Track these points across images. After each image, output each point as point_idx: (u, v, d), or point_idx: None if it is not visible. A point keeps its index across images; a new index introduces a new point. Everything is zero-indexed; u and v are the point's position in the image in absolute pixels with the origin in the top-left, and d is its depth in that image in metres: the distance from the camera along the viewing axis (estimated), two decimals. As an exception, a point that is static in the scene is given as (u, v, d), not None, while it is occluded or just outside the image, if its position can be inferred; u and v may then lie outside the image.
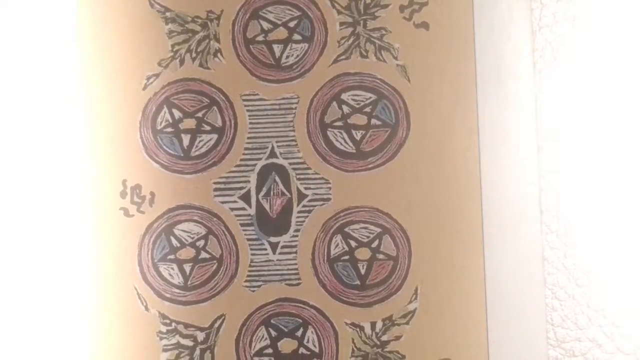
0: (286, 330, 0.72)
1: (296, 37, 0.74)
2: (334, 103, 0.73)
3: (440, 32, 0.73)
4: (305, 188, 0.73)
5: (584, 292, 0.72)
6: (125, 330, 0.72)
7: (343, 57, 0.73)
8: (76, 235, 0.72)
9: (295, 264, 0.72)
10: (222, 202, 0.73)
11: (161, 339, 0.72)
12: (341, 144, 0.73)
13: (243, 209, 0.73)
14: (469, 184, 0.72)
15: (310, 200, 0.73)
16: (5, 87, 0.75)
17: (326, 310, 0.72)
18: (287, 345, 0.72)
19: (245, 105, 0.73)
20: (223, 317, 0.72)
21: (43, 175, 0.73)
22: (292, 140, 0.73)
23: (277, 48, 0.74)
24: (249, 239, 0.73)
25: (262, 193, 0.73)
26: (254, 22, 0.74)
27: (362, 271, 0.72)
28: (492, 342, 0.70)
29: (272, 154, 0.73)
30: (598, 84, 0.73)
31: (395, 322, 0.72)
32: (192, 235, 0.73)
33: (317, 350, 0.72)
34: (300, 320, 0.72)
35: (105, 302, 0.72)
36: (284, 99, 0.73)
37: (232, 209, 0.73)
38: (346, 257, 0.72)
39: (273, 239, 0.72)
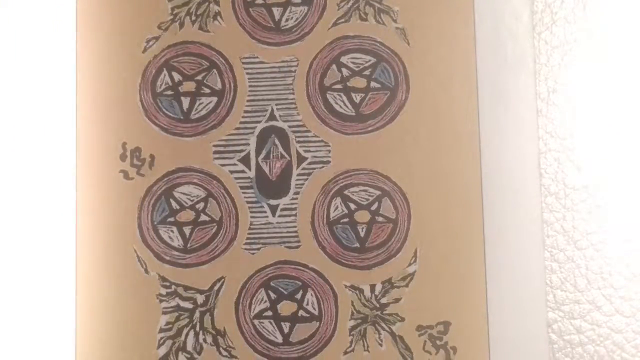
0: (286, 292, 0.72)
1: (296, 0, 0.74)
2: (334, 66, 0.73)
3: (440, -5, 0.73)
4: (305, 151, 0.73)
5: (583, 254, 0.72)
6: (125, 292, 0.72)
7: (342, 20, 0.74)
8: (76, 198, 0.73)
9: (295, 226, 0.72)
10: (222, 165, 0.73)
11: (161, 301, 0.72)
12: (341, 106, 0.73)
13: (243, 171, 0.73)
14: (468, 146, 0.72)
15: (309, 163, 0.73)
16: (4, 51, 0.75)
17: (325, 272, 0.72)
18: (286, 308, 0.72)
19: (245, 68, 0.74)
20: (223, 279, 0.72)
21: (42, 139, 0.73)
22: (292, 103, 0.73)
23: (276, 11, 0.74)
24: (248, 202, 0.73)
25: (261, 156, 0.73)
26: (254, -16, 0.74)
27: (362, 234, 0.72)
28: (491, 304, 0.70)
29: (272, 117, 0.73)
30: (598, 46, 0.73)
31: (395, 285, 0.72)
32: (191, 198, 0.73)
33: (316, 312, 0.72)
34: (300, 283, 0.72)
35: (104, 265, 0.72)
36: (283, 61, 0.74)
37: (232, 172, 0.73)
38: (345, 220, 0.72)
39: (272, 202, 0.73)
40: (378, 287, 0.72)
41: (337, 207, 0.73)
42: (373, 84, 0.73)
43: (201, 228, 0.73)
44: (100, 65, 0.74)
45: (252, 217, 0.73)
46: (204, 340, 0.72)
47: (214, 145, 0.73)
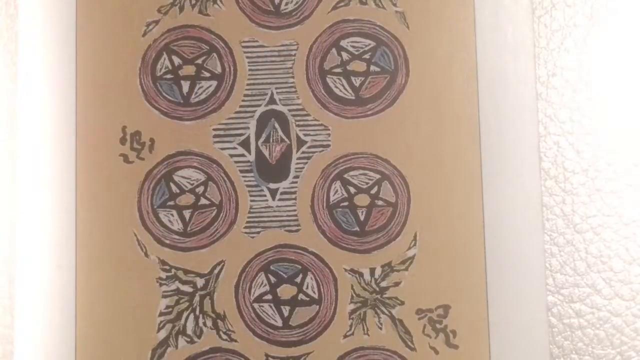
0: (285, 276, 0.72)
1: (295, -17, 0.74)
2: (333, 50, 0.73)
3: (439, -21, 0.73)
4: (305, 134, 0.73)
5: (583, 238, 0.72)
6: (125, 276, 0.72)
7: (342, 3, 0.74)
8: (75, 182, 0.73)
9: (295, 210, 0.72)
10: (222, 149, 0.73)
11: (161, 285, 0.72)
12: (340, 90, 0.73)
13: (242, 155, 0.73)
14: (468, 130, 0.72)
15: (309, 147, 0.73)
16: (3, 35, 0.75)
17: (325, 256, 0.72)
18: (286, 291, 0.72)
19: (245, 52, 0.74)
20: (222, 263, 0.72)
21: (42, 122, 0.73)
22: (292, 87, 0.73)
23: (276, -5, 0.74)
24: (248, 186, 0.73)
25: (261, 139, 0.73)
26: (253, -32, 0.74)
27: (361, 217, 0.72)
28: (491, 288, 0.70)
29: (272, 101, 0.73)
30: (597, 29, 0.73)
31: (395, 269, 0.72)
32: (191, 182, 0.73)
33: (316, 296, 0.72)
34: (300, 267, 0.72)
35: (104, 249, 0.72)
36: (283, 45, 0.74)
37: (232, 156, 0.73)
38: (345, 204, 0.72)
39: (272, 186, 0.73)
40: (378, 271, 0.72)
41: (336, 191, 0.73)
42: (373, 68, 0.73)
43: (201, 212, 0.73)
44: (100, 49, 0.74)
45: (251, 200, 0.73)
46: (204, 323, 0.72)
47: (214, 129, 0.73)
